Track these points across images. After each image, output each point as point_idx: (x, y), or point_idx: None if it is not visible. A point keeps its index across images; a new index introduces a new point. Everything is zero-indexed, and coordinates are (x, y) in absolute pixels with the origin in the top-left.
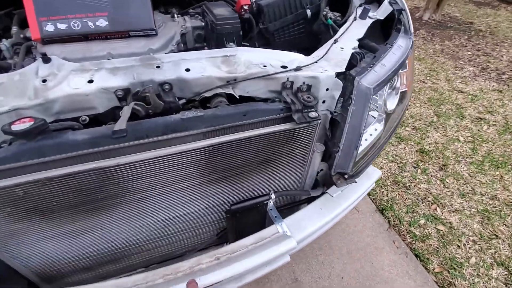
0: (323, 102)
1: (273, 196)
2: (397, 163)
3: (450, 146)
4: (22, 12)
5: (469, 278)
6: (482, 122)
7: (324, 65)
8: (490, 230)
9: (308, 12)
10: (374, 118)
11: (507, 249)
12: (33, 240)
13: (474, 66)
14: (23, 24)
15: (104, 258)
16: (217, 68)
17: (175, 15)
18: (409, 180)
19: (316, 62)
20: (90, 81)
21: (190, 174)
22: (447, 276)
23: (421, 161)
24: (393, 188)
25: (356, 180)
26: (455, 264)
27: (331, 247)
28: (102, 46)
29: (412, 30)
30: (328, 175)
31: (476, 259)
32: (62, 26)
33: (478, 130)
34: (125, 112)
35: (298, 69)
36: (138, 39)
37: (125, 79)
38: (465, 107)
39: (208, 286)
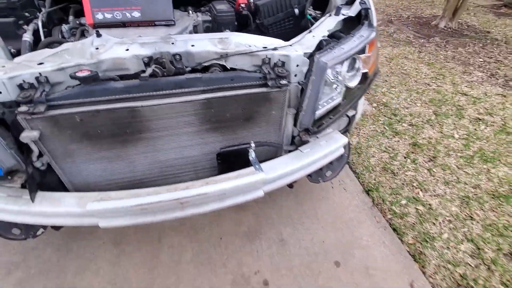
0: (295, 75)
1: (253, 144)
2: (388, 153)
3: (443, 141)
4: (76, 6)
5: (438, 250)
6: (480, 122)
7: (297, 48)
8: (466, 213)
9: (296, 10)
10: (336, 90)
11: (480, 229)
12: (80, 161)
13: (483, 72)
14: (78, 14)
15: (127, 186)
16: (214, 46)
17: (190, 12)
18: (397, 168)
19: (291, 45)
20: (127, 50)
21: (191, 120)
22: (419, 247)
23: (413, 152)
24: (382, 174)
25: (324, 140)
26: (428, 238)
27: (317, 218)
28: (135, 31)
29: (375, 24)
30: (299, 138)
31: (448, 235)
32: (108, 15)
33: (475, 129)
34: (149, 70)
35: (275, 49)
36: (161, 28)
37: (149, 50)
38: (466, 109)
39: (196, 195)
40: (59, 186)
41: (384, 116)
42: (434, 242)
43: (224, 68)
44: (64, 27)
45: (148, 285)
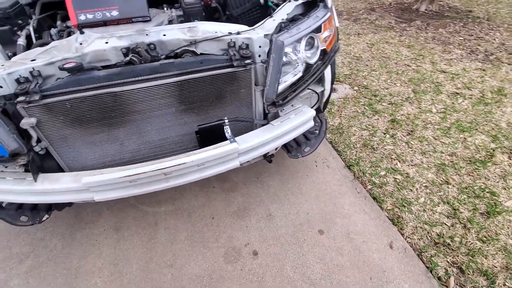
0: (259, 56)
1: (226, 120)
2: (368, 130)
3: (421, 116)
4: (62, 13)
5: (415, 212)
6: (458, 96)
7: (259, 31)
8: (442, 179)
9: (261, 0)
10: (297, 66)
11: (456, 192)
12: (74, 145)
13: (463, 50)
14: (64, 19)
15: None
16: (183, 34)
17: (165, 9)
18: (377, 143)
19: (253, 29)
20: (106, 43)
21: (168, 102)
22: (397, 212)
23: (392, 128)
24: (362, 150)
25: (293, 114)
26: (405, 203)
27: (302, 193)
28: (115, 28)
29: (330, 5)
30: (274, 114)
31: (424, 199)
32: (90, 16)
33: (452, 103)
34: (127, 58)
35: (238, 33)
36: (138, 24)
37: (126, 41)
38: (444, 85)
39: (178, 165)
40: (57, 170)
41: (365, 97)
42: (411, 206)
43: (195, 54)
44: (53, 31)
45: (147, 263)
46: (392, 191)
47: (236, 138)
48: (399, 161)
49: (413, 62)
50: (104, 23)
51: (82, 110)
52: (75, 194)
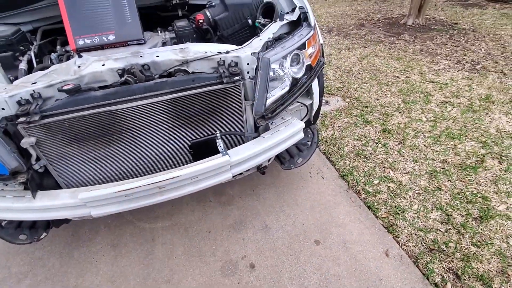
0: (248, 72)
1: (218, 134)
2: (361, 140)
3: (412, 125)
4: (62, 38)
5: (409, 220)
6: (447, 104)
7: (247, 50)
8: (435, 185)
9: (249, 21)
10: (284, 81)
11: (448, 198)
12: (72, 163)
13: (450, 60)
14: (63, 44)
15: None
16: (175, 55)
17: (159, 31)
18: (369, 153)
19: (241, 48)
20: (103, 65)
21: (163, 118)
22: (391, 219)
23: (383, 138)
24: (355, 160)
25: (283, 126)
26: (399, 210)
27: (297, 204)
28: (111, 51)
29: (313, 24)
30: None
31: (418, 206)
32: (88, 41)
33: (442, 111)
34: (122, 79)
35: (227, 52)
36: (133, 46)
37: (122, 63)
38: (433, 94)
39: (171, 178)
40: (56, 187)
41: (356, 109)
42: (405, 214)
43: (187, 73)
44: (53, 55)
45: (144, 279)
46: (386, 199)
47: (228, 151)
48: (392, 170)
49: (402, 73)
50: (102, 46)
51: (80, 128)
52: (72, 210)
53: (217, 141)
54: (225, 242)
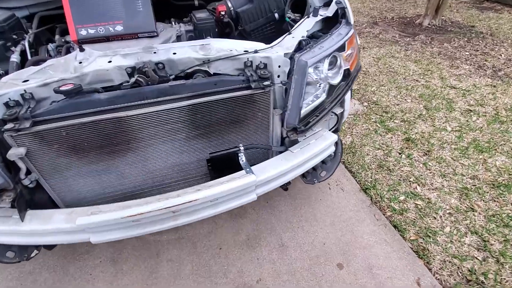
0: (278, 76)
1: (242, 147)
2: (383, 150)
3: (436, 135)
4: (62, 26)
5: (442, 244)
6: (471, 113)
7: (278, 49)
8: (467, 205)
9: (276, 15)
10: (320, 88)
11: (482, 221)
12: (69, 176)
13: (471, 65)
14: (63, 33)
15: (118, 199)
16: (195, 52)
17: (173, 23)
18: (393, 164)
19: (271, 47)
20: (109, 62)
21: (177, 127)
22: (421, 242)
23: (407, 148)
24: (377, 171)
25: (314, 139)
26: (429, 232)
27: (316, 219)
28: (119, 44)
29: (352, 22)
30: (288, 137)
31: (450, 228)
32: (91, 31)
33: (467, 121)
34: (132, 79)
35: (255, 51)
36: (144, 39)
37: (132, 60)
38: (456, 101)
39: (188, 202)
40: (50, 204)
41: (376, 114)
42: (437, 237)
43: (207, 74)
44: (50, 46)
45: None
46: (414, 219)
47: (252, 168)
48: (419, 185)
49: (421, 77)
50: (107, 38)
51: (80, 138)
52: (68, 236)
53: (239, 155)
54: (237, 261)
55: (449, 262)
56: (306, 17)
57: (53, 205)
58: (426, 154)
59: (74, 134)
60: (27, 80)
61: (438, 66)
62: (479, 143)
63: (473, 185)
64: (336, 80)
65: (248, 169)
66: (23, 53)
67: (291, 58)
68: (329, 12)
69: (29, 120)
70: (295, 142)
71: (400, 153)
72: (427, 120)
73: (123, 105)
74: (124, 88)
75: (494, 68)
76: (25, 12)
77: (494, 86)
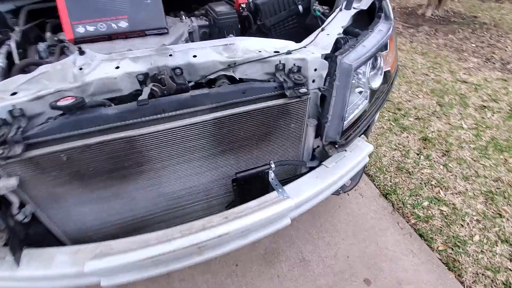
0: (313, 81)
1: (273, 165)
2: (400, 151)
3: (453, 133)
4: (54, 21)
5: (472, 255)
6: (486, 109)
7: (312, 49)
8: (493, 210)
9: (300, 7)
10: (360, 94)
11: (511, 227)
12: (71, 205)
13: (478, 58)
14: (55, 30)
15: (129, 226)
16: (219, 54)
17: (183, 17)
18: (412, 166)
19: (305, 47)
20: (117, 68)
21: (199, 144)
22: (451, 253)
23: (424, 148)
24: (397, 174)
25: (347, 149)
26: (458, 242)
27: (337, 230)
28: (123, 43)
29: (392, 16)
30: (324, 150)
31: (480, 236)
32: (90, 28)
33: (482, 118)
34: (146, 90)
35: (288, 52)
36: (153, 37)
37: (144, 65)
38: (469, 97)
39: (218, 237)
40: (49, 237)
41: (388, 111)
42: (466, 246)
43: (231, 80)
44: (41, 46)
45: None
46: (441, 227)
47: (284, 187)
48: (441, 189)
49: (430, 71)
50: (109, 37)
51: (85, 162)
52: (74, 279)
53: (270, 173)
54: (256, 279)
55: (482, 274)
56: (338, 10)
57: (52, 237)
58: (445, 154)
59: (76, 158)
60: (16, 93)
61: (446, 59)
62: (498, 142)
63: (497, 188)
64: (376, 84)
65: (280, 190)
66: (9, 56)
67: (330, 60)
68: (363, 4)
69: (21, 144)
70: (326, 154)
71: (418, 154)
72: (442, 117)
73: (136, 121)
74: (139, 102)
75: (502, 61)
76: (10, 5)
77: (505, 80)
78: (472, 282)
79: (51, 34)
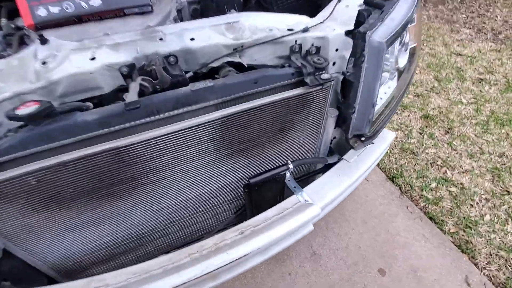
0: (333, 64)
1: (291, 165)
2: (402, 130)
3: (453, 109)
4: (9, 5)
5: (485, 235)
6: (483, 82)
7: (332, 25)
8: (501, 187)
9: None
10: (387, 76)
11: None
12: (50, 234)
13: (470, 28)
14: (12, 15)
15: (124, 246)
16: (222, 36)
17: None
18: (416, 146)
19: (322, 22)
20: (93, 59)
21: (205, 149)
22: (463, 235)
23: (427, 126)
24: (401, 156)
25: (373, 141)
26: (470, 223)
27: (346, 219)
28: (98, 27)
29: None
30: (342, 142)
31: (490, 216)
32: (54, 10)
33: (480, 91)
34: (134, 87)
35: (305, 30)
36: (134, 17)
37: (128, 54)
38: (465, 70)
39: (236, 260)
40: (28, 269)
41: None
42: (478, 227)
43: (237, 67)
44: None
45: None
46: (451, 208)
47: (304, 190)
48: (448, 168)
49: (425, 44)
50: (79, 19)
51: (60, 183)
52: None
53: (286, 176)
54: (267, 278)
55: (496, 255)
56: None
57: (34, 270)
58: (448, 132)
59: (50, 179)
60: None
61: (438, 31)
62: (498, 116)
63: (502, 164)
64: (402, 63)
65: (300, 193)
66: None
67: (354, 37)
68: None
69: None
70: (343, 146)
71: (421, 133)
72: (441, 93)
73: (123, 126)
74: (128, 105)
75: (493, 31)
76: None
77: (499, 51)
78: (486, 263)
79: (7, 20)
